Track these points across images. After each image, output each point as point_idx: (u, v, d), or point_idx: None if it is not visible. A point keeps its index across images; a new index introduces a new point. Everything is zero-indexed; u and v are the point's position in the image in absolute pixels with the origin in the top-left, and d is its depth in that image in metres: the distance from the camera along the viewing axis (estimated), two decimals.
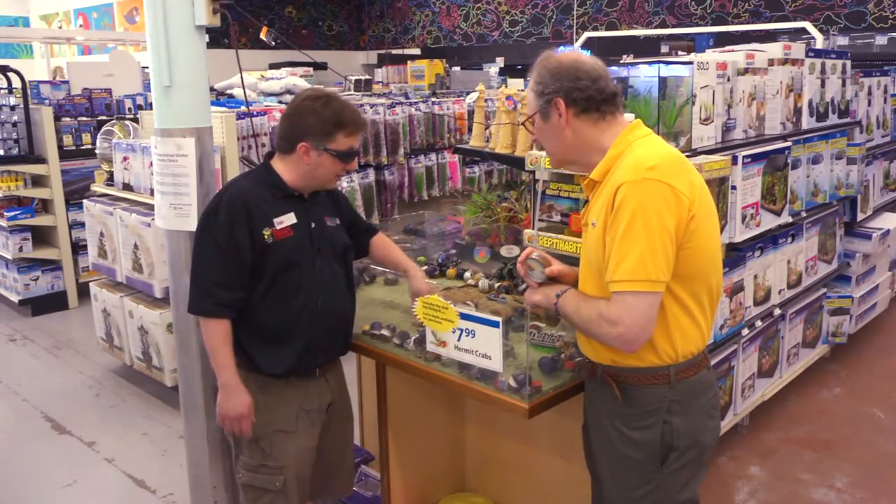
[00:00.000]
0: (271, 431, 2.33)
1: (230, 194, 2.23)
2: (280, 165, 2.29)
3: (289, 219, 2.26)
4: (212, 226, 2.21)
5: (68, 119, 6.00)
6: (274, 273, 2.24)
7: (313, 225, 2.33)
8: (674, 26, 8.94)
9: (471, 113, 5.22)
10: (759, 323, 3.53)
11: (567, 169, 2.30)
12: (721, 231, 2.93)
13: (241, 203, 2.20)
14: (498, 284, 2.71)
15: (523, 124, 2.09)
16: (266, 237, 2.21)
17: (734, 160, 3.07)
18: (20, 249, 5.74)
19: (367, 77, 7.10)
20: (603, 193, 1.81)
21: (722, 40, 5.71)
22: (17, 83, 5.90)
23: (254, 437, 2.32)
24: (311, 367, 2.38)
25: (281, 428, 2.33)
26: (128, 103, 6.36)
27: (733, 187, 3.10)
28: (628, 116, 1.94)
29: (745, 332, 3.41)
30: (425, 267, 3.01)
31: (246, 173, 2.38)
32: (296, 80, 5.39)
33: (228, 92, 5.33)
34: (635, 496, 1.90)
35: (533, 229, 2.71)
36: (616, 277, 1.71)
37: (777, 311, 3.66)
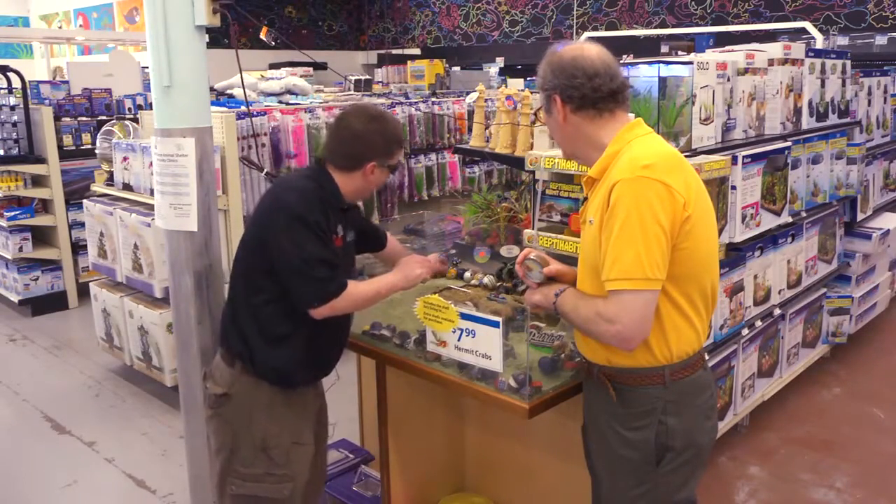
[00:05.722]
0: (289, 443, 2.28)
1: (313, 195, 2.16)
2: (337, 178, 2.25)
3: (339, 230, 2.25)
4: (307, 219, 2.11)
5: (68, 119, 6.00)
6: None
7: (348, 239, 2.33)
8: (674, 26, 8.92)
9: (471, 113, 5.21)
10: (759, 323, 3.53)
11: (575, 161, 2.31)
12: (721, 231, 2.93)
13: (321, 208, 2.15)
14: (499, 284, 2.72)
15: (535, 113, 2.11)
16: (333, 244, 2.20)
17: (734, 160, 3.07)
18: (20, 249, 5.74)
19: (367, 77, 7.09)
20: (600, 191, 1.81)
21: (722, 40, 5.70)
22: (17, 83, 5.90)
23: (261, 446, 2.24)
24: (326, 375, 2.40)
25: (297, 440, 2.30)
26: (128, 103, 6.36)
27: (733, 187, 3.10)
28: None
29: (745, 332, 3.41)
30: None
31: (306, 176, 2.27)
32: (296, 80, 5.38)
33: (228, 92, 5.32)
34: (631, 496, 1.90)
35: (533, 229, 2.71)
36: (612, 276, 1.71)
37: (777, 311, 3.66)
